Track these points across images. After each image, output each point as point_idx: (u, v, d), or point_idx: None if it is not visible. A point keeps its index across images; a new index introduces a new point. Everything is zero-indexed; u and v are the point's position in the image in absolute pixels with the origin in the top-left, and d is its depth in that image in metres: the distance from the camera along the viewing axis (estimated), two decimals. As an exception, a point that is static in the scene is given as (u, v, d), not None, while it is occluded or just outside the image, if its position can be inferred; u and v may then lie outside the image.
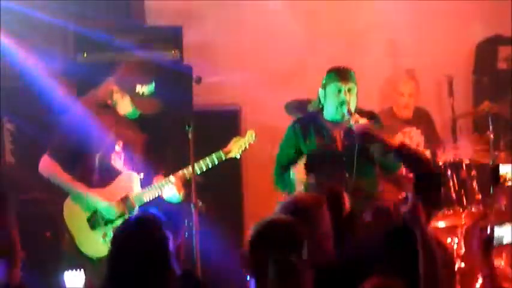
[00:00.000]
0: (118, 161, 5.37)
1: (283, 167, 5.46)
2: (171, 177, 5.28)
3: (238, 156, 5.50)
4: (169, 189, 5.29)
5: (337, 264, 3.94)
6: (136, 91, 5.28)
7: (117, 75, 5.35)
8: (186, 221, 5.58)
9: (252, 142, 5.56)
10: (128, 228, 3.85)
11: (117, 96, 5.30)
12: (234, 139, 5.51)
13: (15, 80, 6.08)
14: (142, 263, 3.68)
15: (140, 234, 3.76)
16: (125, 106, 5.31)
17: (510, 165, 3.63)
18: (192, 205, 5.15)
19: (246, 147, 5.54)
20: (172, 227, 4.19)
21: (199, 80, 5.56)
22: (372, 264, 3.69)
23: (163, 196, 5.34)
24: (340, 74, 5.42)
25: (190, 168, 5.19)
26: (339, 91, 5.36)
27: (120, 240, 3.80)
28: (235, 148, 5.48)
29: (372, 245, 4.32)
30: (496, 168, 3.58)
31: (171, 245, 3.94)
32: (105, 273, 3.81)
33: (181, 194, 5.31)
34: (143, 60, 5.87)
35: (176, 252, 4.11)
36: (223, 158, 5.40)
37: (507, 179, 3.63)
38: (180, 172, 5.27)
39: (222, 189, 6.70)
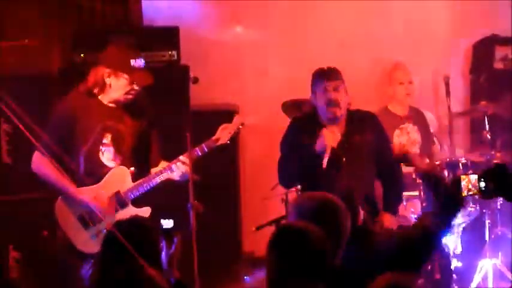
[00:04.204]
0: (107, 154, 5.36)
1: (288, 156, 5.47)
2: (181, 158, 5.32)
3: (228, 142, 5.51)
4: (181, 169, 5.32)
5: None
6: (132, 65, 5.33)
7: (107, 58, 5.35)
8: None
9: (240, 127, 5.58)
10: (120, 231, 3.81)
11: (110, 79, 5.30)
12: (222, 126, 5.52)
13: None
14: (133, 266, 3.67)
15: (133, 238, 3.75)
16: (119, 88, 5.30)
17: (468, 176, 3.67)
18: (189, 205, 5.15)
19: (234, 133, 5.54)
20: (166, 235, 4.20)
21: (196, 80, 5.54)
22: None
23: (176, 177, 5.36)
24: (325, 73, 5.47)
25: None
26: (325, 89, 5.40)
27: (112, 242, 3.78)
28: (224, 135, 5.49)
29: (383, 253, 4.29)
30: (458, 180, 3.69)
31: (164, 252, 3.94)
32: (95, 275, 3.83)
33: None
34: (127, 38, 6.06)
35: (169, 261, 4.12)
36: (212, 146, 5.45)
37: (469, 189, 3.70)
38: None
39: (219, 188, 6.73)
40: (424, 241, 4.21)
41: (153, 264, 3.71)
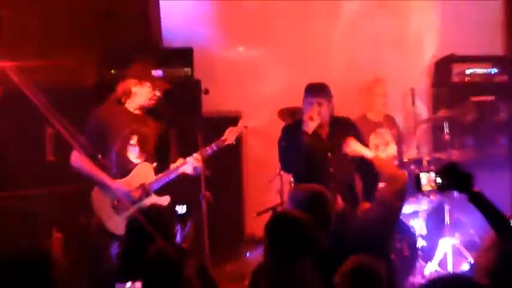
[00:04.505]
0: (133, 152, 5.60)
1: (286, 152, 5.77)
2: (195, 155, 5.59)
3: (234, 143, 5.74)
4: (195, 163, 5.56)
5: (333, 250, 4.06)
6: (153, 75, 5.83)
7: (132, 71, 5.65)
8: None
9: (244, 130, 5.83)
10: (142, 217, 4.10)
11: (136, 88, 5.60)
12: (229, 129, 5.74)
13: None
14: (151, 245, 3.88)
15: (152, 222, 4.03)
16: (143, 95, 5.62)
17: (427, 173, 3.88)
18: (201, 196, 5.46)
19: (239, 134, 5.77)
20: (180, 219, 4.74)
21: (207, 92, 5.77)
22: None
23: (190, 172, 5.59)
24: (312, 89, 5.76)
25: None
26: (309, 103, 5.73)
27: (134, 225, 4.13)
28: (230, 136, 5.74)
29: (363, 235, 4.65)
30: (418, 177, 3.88)
31: (179, 234, 4.37)
32: (122, 253, 4.12)
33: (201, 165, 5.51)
34: (149, 57, 6.31)
35: (183, 241, 4.63)
36: (221, 145, 5.69)
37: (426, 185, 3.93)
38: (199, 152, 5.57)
39: (225, 181, 7.10)
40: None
41: (168, 243, 3.98)
